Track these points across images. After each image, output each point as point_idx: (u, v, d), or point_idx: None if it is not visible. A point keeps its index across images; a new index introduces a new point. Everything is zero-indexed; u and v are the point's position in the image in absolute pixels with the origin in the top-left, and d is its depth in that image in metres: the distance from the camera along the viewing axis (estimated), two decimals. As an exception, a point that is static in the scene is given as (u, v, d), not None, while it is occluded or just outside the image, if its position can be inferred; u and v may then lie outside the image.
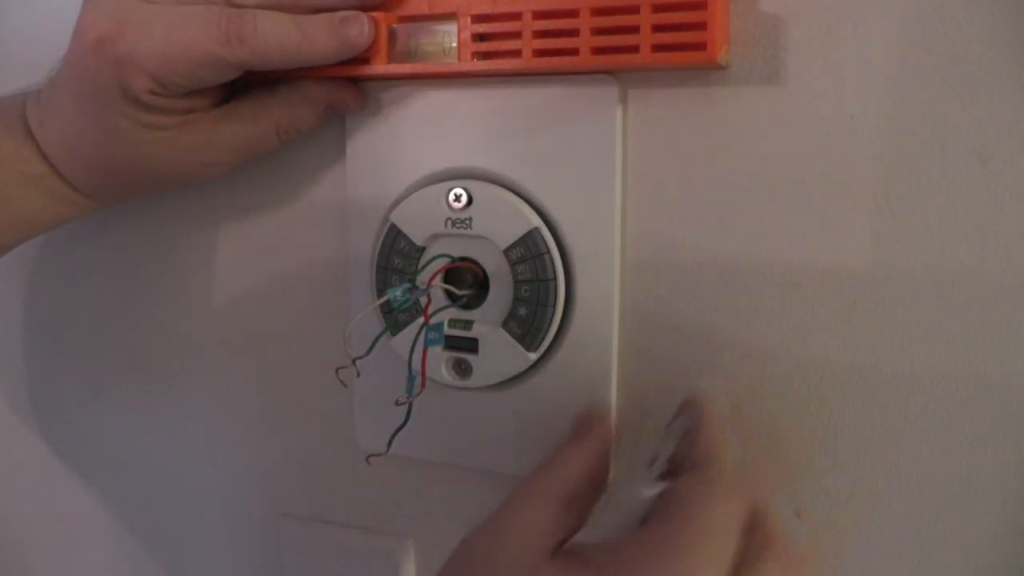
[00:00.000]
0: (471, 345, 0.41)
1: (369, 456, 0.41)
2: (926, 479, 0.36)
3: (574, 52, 0.35)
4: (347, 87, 0.41)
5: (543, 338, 0.40)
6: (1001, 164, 0.33)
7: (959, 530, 0.36)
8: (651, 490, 0.32)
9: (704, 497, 0.30)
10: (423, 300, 0.40)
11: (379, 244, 0.42)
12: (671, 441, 0.35)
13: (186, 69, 0.36)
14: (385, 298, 0.39)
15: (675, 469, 0.34)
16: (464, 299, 0.41)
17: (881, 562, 0.37)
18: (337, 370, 0.39)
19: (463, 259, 0.41)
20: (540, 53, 0.36)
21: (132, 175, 0.41)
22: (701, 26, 0.33)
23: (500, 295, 0.41)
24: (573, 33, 0.35)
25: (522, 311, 0.40)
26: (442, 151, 0.41)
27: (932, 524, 0.36)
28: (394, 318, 0.42)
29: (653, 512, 0.31)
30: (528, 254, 0.39)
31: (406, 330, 0.41)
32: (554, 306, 0.39)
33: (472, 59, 0.37)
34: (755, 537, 0.30)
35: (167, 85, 0.37)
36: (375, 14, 0.38)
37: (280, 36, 0.36)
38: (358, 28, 0.37)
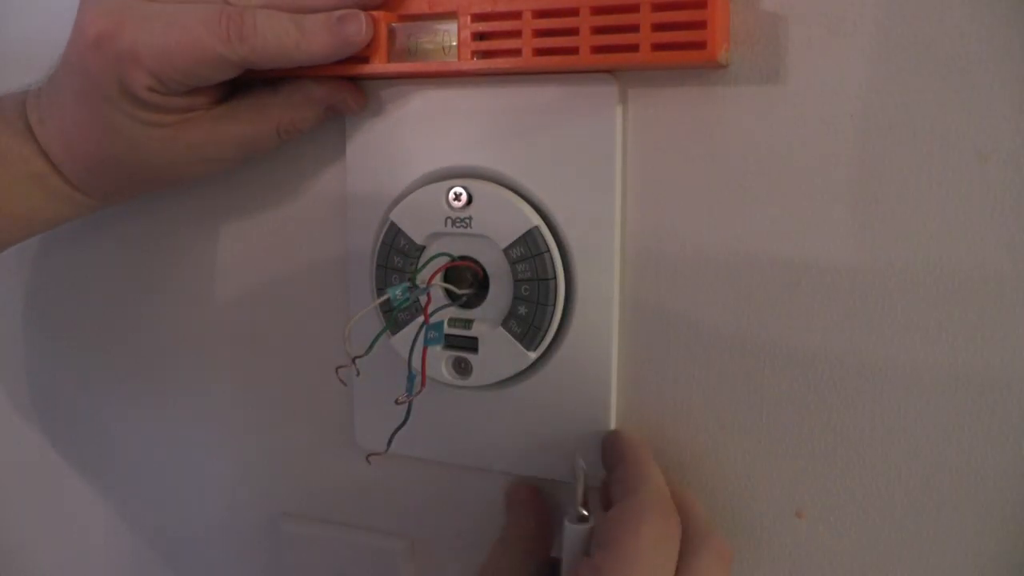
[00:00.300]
0: (471, 344, 0.41)
1: (369, 455, 0.41)
2: (926, 478, 0.36)
3: (574, 51, 0.35)
4: (348, 87, 0.41)
5: (543, 337, 0.40)
6: (1001, 162, 0.33)
7: (959, 530, 0.36)
8: (573, 531, 0.36)
9: (637, 519, 0.33)
10: (423, 299, 0.40)
11: (379, 243, 0.42)
12: (579, 483, 0.37)
13: (185, 66, 0.37)
14: (385, 297, 0.39)
15: (610, 500, 0.37)
16: (464, 298, 0.41)
17: (881, 562, 0.37)
18: (337, 369, 0.39)
19: (463, 258, 0.41)
20: (540, 52, 0.36)
21: (131, 173, 0.41)
22: (701, 25, 0.33)
23: (500, 294, 0.41)
24: (573, 32, 0.35)
25: (522, 310, 0.40)
26: (442, 150, 0.41)
27: (932, 524, 0.36)
28: (394, 317, 0.42)
29: (594, 543, 0.34)
30: (528, 253, 0.39)
31: (406, 329, 0.41)
32: (554, 305, 0.39)
33: (472, 58, 0.37)
34: (688, 535, 0.34)
35: (166, 82, 0.37)
36: (375, 13, 0.38)
37: (279, 34, 0.37)
38: (356, 26, 0.37)
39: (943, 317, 0.35)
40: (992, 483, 0.35)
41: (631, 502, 0.34)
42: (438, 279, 0.40)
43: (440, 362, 0.41)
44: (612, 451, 0.39)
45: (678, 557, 0.33)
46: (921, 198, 0.34)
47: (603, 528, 0.34)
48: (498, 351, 0.40)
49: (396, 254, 0.42)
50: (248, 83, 0.41)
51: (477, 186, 0.40)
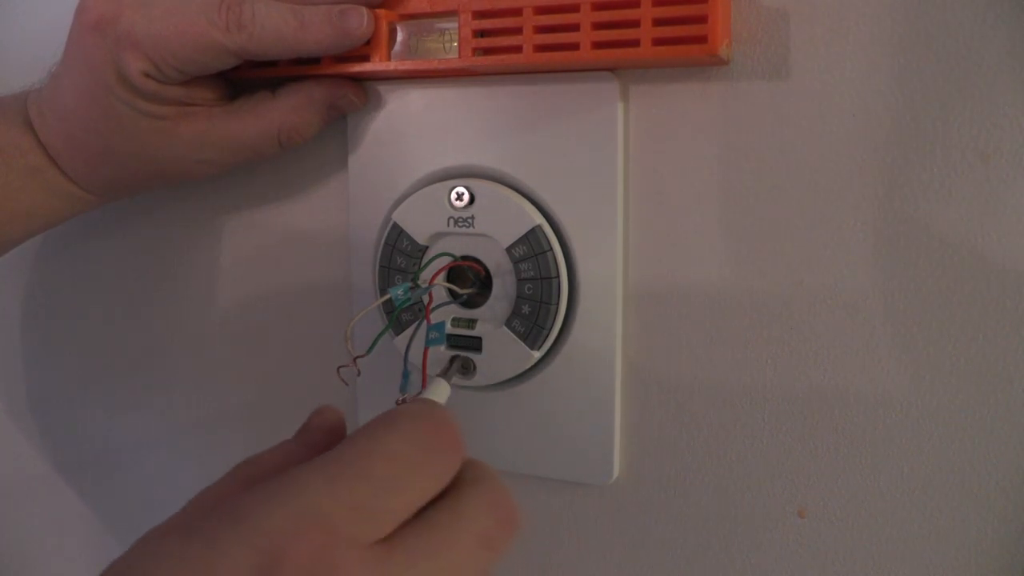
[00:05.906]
0: (475, 344, 0.41)
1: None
2: (927, 478, 0.36)
3: (575, 47, 0.35)
4: (349, 85, 0.41)
5: (546, 336, 0.40)
6: (1003, 162, 0.33)
7: (960, 530, 0.35)
8: None
9: (391, 420, 0.30)
10: (424, 299, 0.40)
11: (382, 243, 0.42)
12: None
13: (183, 53, 0.37)
14: (386, 297, 0.39)
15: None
16: (466, 297, 0.41)
17: (881, 562, 0.37)
18: (338, 368, 0.39)
19: (466, 258, 0.41)
20: (541, 48, 0.36)
21: (128, 166, 0.41)
22: (702, 19, 0.33)
23: (503, 293, 0.40)
24: (574, 28, 0.35)
25: (525, 309, 0.40)
26: (444, 149, 0.41)
27: (932, 524, 0.36)
28: (397, 317, 0.41)
29: None
30: (530, 252, 0.39)
31: (409, 329, 0.41)
32: (557, 304, 0.39)
33: (473, 55, 0.37)
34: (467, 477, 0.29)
35: (162, 68, 0.37)
36: (376, 11, 0.38)
37: (277, 24, 0.37)
38: (357, 20, 0.38)
39: (946, 315, 0.34)
40: (994, 483, 0.35)
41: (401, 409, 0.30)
42: (440, 279, 0.40)
43: (443, 362, 0.41)
44: None
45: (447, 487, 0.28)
46: (923, 196, 0.34)
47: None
48: (502, 350, 0.40)
49: (399, 254, 0.42)
50: (252, 88, 0.41)
51: (479, 185, 0.40)
